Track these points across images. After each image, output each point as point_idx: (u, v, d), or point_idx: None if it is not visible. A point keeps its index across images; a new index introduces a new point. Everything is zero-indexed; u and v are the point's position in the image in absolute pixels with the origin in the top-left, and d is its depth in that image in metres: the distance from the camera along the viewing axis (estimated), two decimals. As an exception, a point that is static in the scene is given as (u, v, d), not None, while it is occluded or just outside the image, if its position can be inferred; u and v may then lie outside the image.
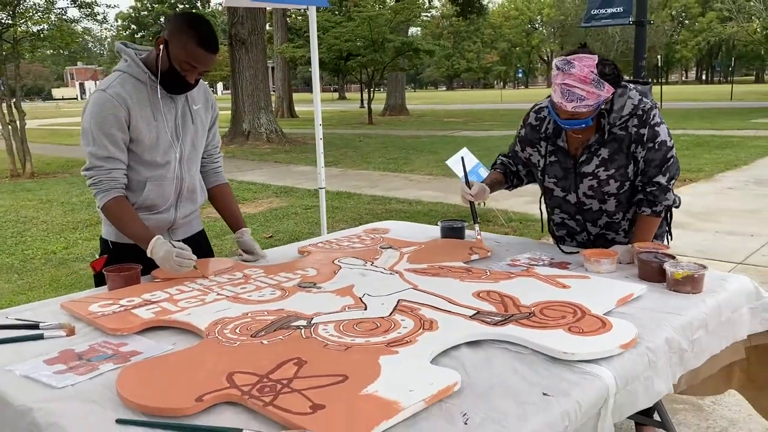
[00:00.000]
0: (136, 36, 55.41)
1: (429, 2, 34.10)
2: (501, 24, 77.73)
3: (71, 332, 1.69)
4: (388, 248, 2.39)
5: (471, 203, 2.39)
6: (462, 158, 2.70)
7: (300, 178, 10.44)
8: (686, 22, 67.88)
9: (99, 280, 2.19)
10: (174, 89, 2.17)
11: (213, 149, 2.44)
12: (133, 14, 59.48)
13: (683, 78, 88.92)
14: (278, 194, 8.77)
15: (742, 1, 48.09)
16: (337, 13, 27.87)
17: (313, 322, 1.64)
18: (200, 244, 2.44)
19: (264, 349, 1.48)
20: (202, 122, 2.31)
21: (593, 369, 1.39)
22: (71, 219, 7.45)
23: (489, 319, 1.62)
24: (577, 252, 2.31)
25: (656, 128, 2.15)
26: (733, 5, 49.11)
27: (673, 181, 2.22)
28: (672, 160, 2.20)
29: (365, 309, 1.73)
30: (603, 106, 2.10)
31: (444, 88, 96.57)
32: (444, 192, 8.48)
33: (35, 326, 1.73)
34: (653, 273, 1.98)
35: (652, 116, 2.14)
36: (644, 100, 2.16)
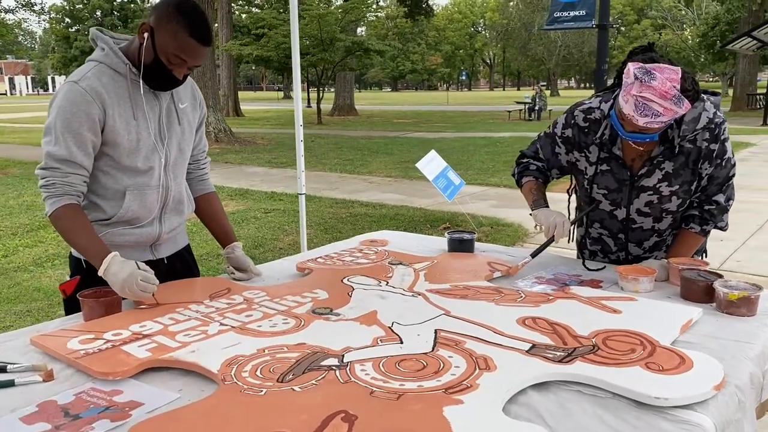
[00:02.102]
0: (70, 30, 53.14)
1: (377, 2, 33.92)
2: (445, 26, 78.48)
3: (49, 376, 1.39)
4: (398, 264, 2.16)
5: (550, 240, 2.11)
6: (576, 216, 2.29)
7: (254, 179, 10.07)
8: (622, 28, 70.09)
9: (70, 306, 1.88)
10: (159, 85, 1.88)
11: (200, 154, 2.16)
12: (67, 7, 57.06)
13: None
14: (233, 197, 8.40)
15: (675, 11, 50.05)
16: (282, 11, 27.39)
17: (345, 360, 1.40)
18: (186, 261, 2.15)
19: (298, 398, 1.23)
20: (189, 123, 2.03)
21: (691, 416, 1.20)
22: (9, 224, 6.90)
23: (551, 355, 1.41)
24: (603, 268, 2.13)
25: (725, 144, 2.00)
26: (667, 14, 51.04)
27: (730, 202, 2.07)
28: (733, 179, 2.05)
29: (401, 342, 1.49)
30: None
31: (389, 89, 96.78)
32: (407, 195, 8.30)
33: (2, 369, 1.42)
34: (699, 293, 1.82)
35: (723, 131, 1.98)
36: (718, 113, 2.00)
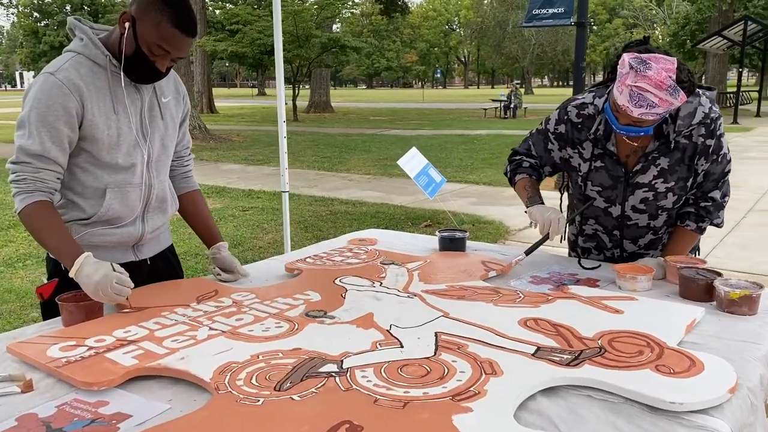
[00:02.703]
0: (39, 24, 51.92)
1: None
2: (420, 24, 78.42)
3: (28, 387, 1.30)
4: (390, 264, 2.10)
5: (545, 238, 2.06)
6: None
7: (231, 177, 9.92)
8: (595, 27, 70.80)
9: (48, 311, 1.78)
10: (140, 77, 1.79)
11: (183, 150, 2.07)
12: (35, 1, 55.78)
13: (592, 80, 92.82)
14: (210, 195, 8.26)
15: (646, 10, 50.75)
16: (256, 6, 27.10)
17: (345, 366, 1.33)
18: (170, 261, 2.07)
19: (298, 407, 1.16)
20: (172, 118, 1.94)
21: (707, 421, 1.15)
22: (-23, 223, 6.68)
23: (557, 358, 1.36)
24: (599, 266, 2.10)
25: (721, 139, 1.97)
26: (639, 13, 51.72)
27: (726, 198, 2.05)
28: (728, 175, 2.02)
29: (401, 346, 1.43)
30: None
31: (364, 87, 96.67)
32: (387, 192, 8.24)
33: (-24, 380, 1.33)
34: (699, 291, 1.79)
35: (718, 126, 1.95)
36: (713, 108, 1.97)
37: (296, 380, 1.27)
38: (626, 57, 1.80)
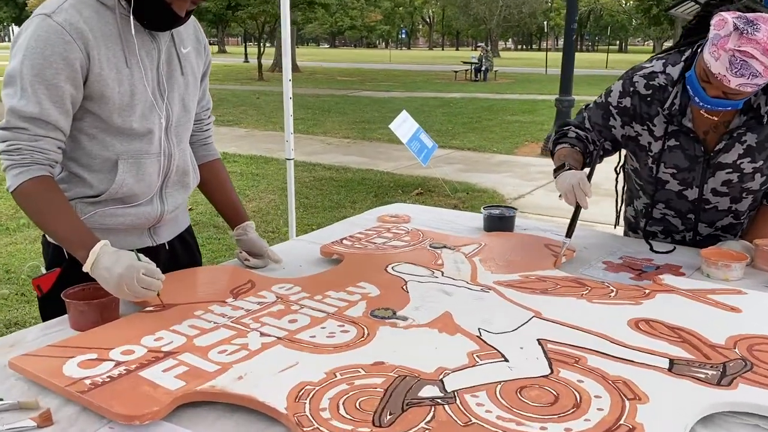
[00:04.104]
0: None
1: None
2: (385, -18, 76.79)
3: (47, 420, 1.01)
4: (441, 248, 1.84)
5: (577, 209, 1.77)
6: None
7: (202, 138, 9.46)
8: (559, -10, 70.38)
9: (48, 307, 1.47)
10: (154, 23, 1.46)
11: (203, 112, 1.75)
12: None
13: (555, 45, 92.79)
14: (182, 157, 7.82)
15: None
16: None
17: (448, 388, 1.07)
18: (188, 245, 1.76)
19: (414, 453, 0.90)
20: (193, 72, 1.62)
21: None
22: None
23: (701, 375, 1.12)
24: (673, 249, 1.87)
25: None
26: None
27: None
28: None
29: (506, 360, 1.18)
30: None
31: (327, 46, 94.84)
32: (370, 158, 7.92)
33: (-24, 409, 1.03)
34: (805, 283, 1.58)
35: None
36: None
37: (396, 410, 1.01)
38: (728, 16, 1.53)
